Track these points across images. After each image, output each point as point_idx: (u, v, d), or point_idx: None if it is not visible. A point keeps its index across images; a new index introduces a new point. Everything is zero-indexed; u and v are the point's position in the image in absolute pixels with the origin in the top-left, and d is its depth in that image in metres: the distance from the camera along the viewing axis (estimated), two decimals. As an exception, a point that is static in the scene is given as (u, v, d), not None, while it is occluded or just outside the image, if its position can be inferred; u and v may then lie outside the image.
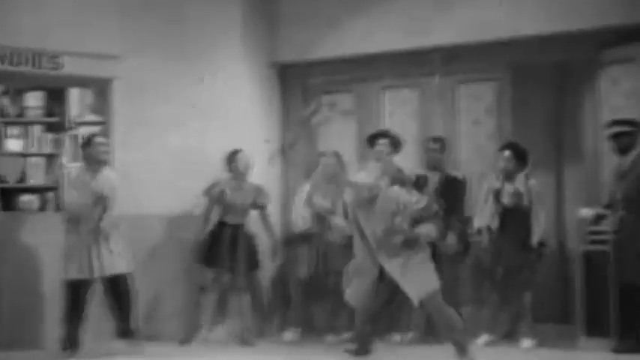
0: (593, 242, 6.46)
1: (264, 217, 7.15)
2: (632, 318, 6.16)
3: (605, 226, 6.41)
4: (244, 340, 6.95)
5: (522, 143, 6.94)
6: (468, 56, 7.47)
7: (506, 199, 6.73)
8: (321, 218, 7.16)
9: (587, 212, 6.50)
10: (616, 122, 6.49)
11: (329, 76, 8.02)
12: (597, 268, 6.36)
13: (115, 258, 6.31)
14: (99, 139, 6.49)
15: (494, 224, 6.76)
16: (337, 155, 7.13)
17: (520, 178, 6.76)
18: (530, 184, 6.75)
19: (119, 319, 6.39)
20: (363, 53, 7.73)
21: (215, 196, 6.96)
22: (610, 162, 6.68)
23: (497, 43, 7.26)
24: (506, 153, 6.79)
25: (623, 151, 6.40)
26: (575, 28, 6.98)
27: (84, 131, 7.58)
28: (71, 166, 7.49)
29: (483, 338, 6.73)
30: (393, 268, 5.62)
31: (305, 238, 7.21)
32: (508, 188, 6.74)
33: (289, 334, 7.23)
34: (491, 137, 7.46)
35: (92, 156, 6.38)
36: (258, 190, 7.06)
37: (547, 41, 7.13)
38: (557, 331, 6.63)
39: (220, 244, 6.90)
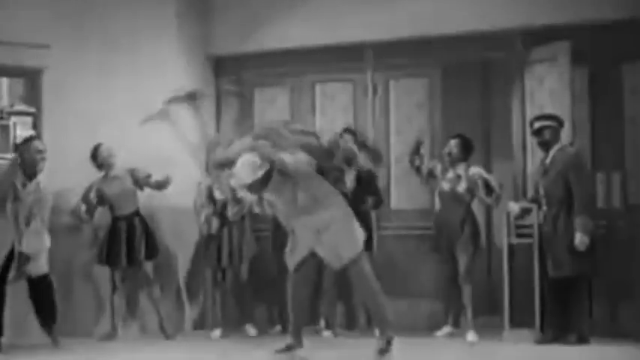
0: (519, 235, 6.51)
1: (156, 185, 6.95)
2: (555, 309, 6.23)
3: (530, 220, 6.45)
4: (164, 332, 6.82)
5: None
6: (399, 52, 7.45)
7: (446, 185, 6.77)
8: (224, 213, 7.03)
9: (513, 206, 6.54)
10: (539, 117, 6.54)
11: (263, 69, 7.92)
12: (523, 260, 6.41)
13: (39, 259, 6.16)
14: (36, 145, 6.23)
15: (437, 206, 6.84)
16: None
17: (461, 166, 6.78)
18: (472, 171, 6.75)
19: (42, 320, 6.26)
20: (296, 47, 7.64)
21: (93, 200, 6.83)
22: (536, 157, 6.74)
23: (428, 40, 7.28)
24: (454, 141, 6.83)
25: (545, 146, 6.44)
26: (503, 26, 7.04)
27: (15, 120, 7.31)
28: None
29: (444, 330, 6.73)
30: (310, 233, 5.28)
31: (211, 235, 7.07)
32: (450, 173, 6.79)
33: (216, 332, 7.05)
34: (422, 132, 7.46)
35: (26, 161, 6.16)
36: (131, 170, 6.91)
37: (477, 39, 7.17)
38: (484, 322, 6.65)
39: (118, 242, 6.78)
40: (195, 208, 7.12)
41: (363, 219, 6.75)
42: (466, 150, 6.82)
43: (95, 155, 6.88)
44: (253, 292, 7.20)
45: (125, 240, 6.77)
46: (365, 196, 6.84)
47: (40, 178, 6.19)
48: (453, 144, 6.83)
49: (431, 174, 6.90)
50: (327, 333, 6.88)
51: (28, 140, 6.28)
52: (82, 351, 6.12)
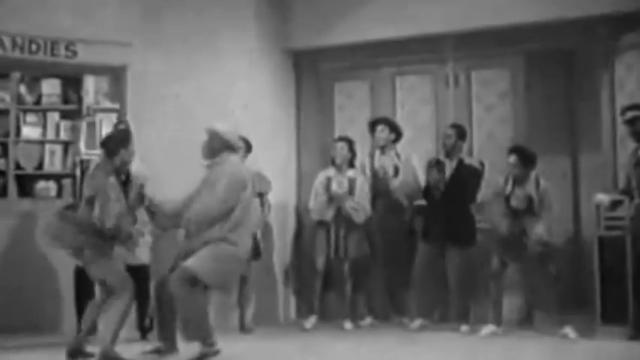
0: (609, 228, 6.20)
1: None
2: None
3: (622, 212, 6.12)
4: (245, 327, 6.69)
5: (537, 130, 6.77)
6: (480, 42, 7.21)
7: (515, 203, 6.35)
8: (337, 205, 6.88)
9: (603, 198, 6.20)
10: (632, 107, 6.18)
11: (342, 62, 7.76)
12: (613, 254, 6.09)
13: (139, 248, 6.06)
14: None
15: (503, 228, 6.36)
16: (349, 141, 6.98)
17: (531, 180, 6.36)
18: (542, 186, 6.35)
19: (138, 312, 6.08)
20: (375, 40, 7.46)
21: None
22: (626, 147, 6.39)
23: (510, 29, 7.01)
24: (512, 158, 6.38)
25: (638, 136, 6.07)
26: (588, 14, 6.70)
27: (101, 117, 7.38)
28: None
29: (488, 329, 6.38)
30: None
31: (322, 225, 6.92)
32: (519, 192, 6.36)
33: (309, 322, 6.90)
34: (504, 123, 7.22)
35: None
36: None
37: (561, 27, 6.89)
38: (573, 319, 6.30)
39: None
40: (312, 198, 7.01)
41: (463, 212, 6.61)
42: (529, 163, 6.34)
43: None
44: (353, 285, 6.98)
45: None
46: (462, 190, 6.64)
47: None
48: (513, 163, 6.35)
49: (507, 198, 6.39)
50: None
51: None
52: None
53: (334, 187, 6.86)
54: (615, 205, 6.16)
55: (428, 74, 7.52)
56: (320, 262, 6.88)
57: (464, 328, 6.55)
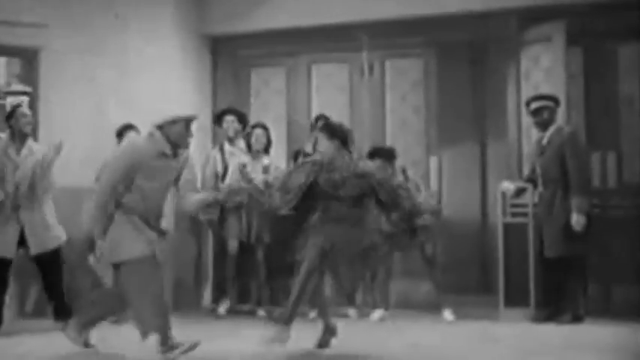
0: (514, 215, 6.29)
1: None
2: (549, 288, 6.02)
3: (525, 199, 6.22)
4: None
5: (448, 118, 6.84)
6: (395, 32, 7.20)
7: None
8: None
9: (508, 186, 6.30)
10: (536, 98, 6.29)
11: (259, 49, 7.65)
12: (517, 240, 6.19)
13: (48, 232, 5.83)
14: (22, 111, 5.98)
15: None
16: (265, 128, 6.86)
17: (397, 175, 6.27)
18: (409, 176, 6.35)
19: (54, 298, 5.85)
20: (292, 27, 7.39)
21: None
22: (531, 136, 6.51)
23: (424, 19, 7.02)
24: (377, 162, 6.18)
25: (543, 126, 6.20)
26: (499, 6, 6.77)
27: (11, 101, 7.07)
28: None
29: (377, 314, 6.36)
30: None
31: (236, 210, 6.82)
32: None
33: (222, 308, 6.80)
34: (417, 111, 7.24)
35: (15, 129, 5.92)
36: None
37: (473, 18, 6.93)
38: (478, 302, 6.41)
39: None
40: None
41: None
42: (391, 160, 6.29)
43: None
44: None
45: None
46: None
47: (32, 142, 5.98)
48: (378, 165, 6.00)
49: None
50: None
51: (13, 110, 5.98)
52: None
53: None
54: (520, 192, 6.26)
55: (343, 63, 7.49)
56: (232, 247, 6.78)
57: (351, 312, 6.49)
